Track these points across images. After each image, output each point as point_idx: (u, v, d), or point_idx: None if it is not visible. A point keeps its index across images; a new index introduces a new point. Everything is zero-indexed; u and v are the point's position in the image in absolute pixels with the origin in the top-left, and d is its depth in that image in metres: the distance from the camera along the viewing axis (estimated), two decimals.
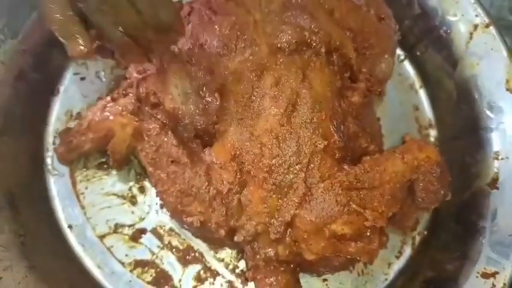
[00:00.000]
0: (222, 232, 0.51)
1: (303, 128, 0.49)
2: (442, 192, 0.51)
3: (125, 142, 0.54)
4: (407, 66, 0.66)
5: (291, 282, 0.51)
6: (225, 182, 0.50)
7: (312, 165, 0.48)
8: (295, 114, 0.49)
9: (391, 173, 0.50)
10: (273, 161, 0.49)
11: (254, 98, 0.50)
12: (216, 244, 0.57)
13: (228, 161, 0.50)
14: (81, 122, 0.57)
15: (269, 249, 0.50)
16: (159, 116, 0.53)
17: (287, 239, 0.49)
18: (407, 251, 0.59)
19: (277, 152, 0.49)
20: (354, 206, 0.48)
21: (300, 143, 0.48)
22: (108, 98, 0.56)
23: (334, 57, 0.52)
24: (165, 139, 0.52)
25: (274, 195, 0.49)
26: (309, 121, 0.49)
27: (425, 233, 0.60)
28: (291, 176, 0.48)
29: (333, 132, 0.49)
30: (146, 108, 0.54)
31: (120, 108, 0.54)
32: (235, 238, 0.51)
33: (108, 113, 0.54)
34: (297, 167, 0.48)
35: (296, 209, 0.48)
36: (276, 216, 0.49)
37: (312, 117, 0.49)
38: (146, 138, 0.53)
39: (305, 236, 0.48)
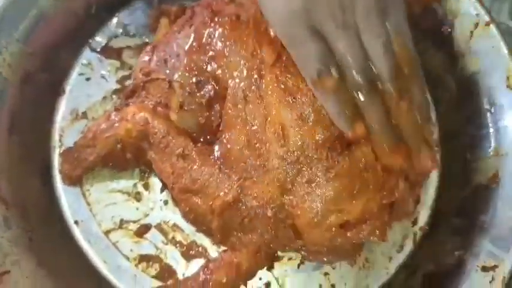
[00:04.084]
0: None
1: (306, 122, 0.49)
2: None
3: (131, 145, 0.56)
4: None
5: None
6: (231, 179, 0.51)
7: (314, 156, 0.48)
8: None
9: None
10: (278, 154, 0.49)
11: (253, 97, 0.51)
12: (210, 235, 0.57)
13: (236, 158, 0.51)
14: (86, 134, 0.58)
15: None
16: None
17: (287, 228, 0.50)
18: (409, 246, 0.59)
19: (282, 146, 0.49)
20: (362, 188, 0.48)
21: (303, 136, 0.49)
22: (112, 109, 0.58)
23: None
24: (172, 139, 0.53)
25: (277, 185, 0.49)
26: (312, 115, 0.49)
27: (427, 227, 0.60)
28: (294, 167, 0.49)
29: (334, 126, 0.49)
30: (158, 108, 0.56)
31: (124, 115, 0.55)
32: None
33: (112, 122, 0.56)
34: (300, 158, 0.49)
35: (302, 198, 0.48)
36: (279, 202, 0.49)
37: (315, 110, 0.49)
38: (152, 141, 0.54)
39: (308, 228, 0.49)
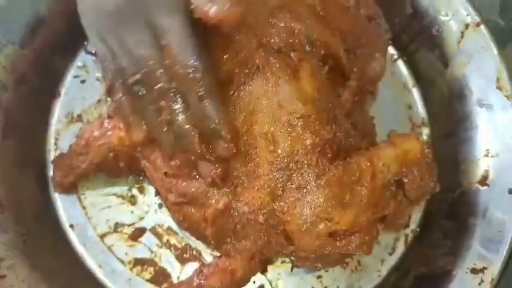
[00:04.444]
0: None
1: (295, 127, 0.49)
2: (431, 183, 0.52)
3: (124, 154, 0.55)
4: (401, 65, 0.67)
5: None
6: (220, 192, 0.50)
7: (304, 162, 0.48)
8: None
9: (381, 165, 0.50)
10: (267, 159, 0.49)
11: (244, 96, 0.50)
12: (204, 242, 0.57)
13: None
14: (78, 142, 0.57)
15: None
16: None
17: (279, 235, 0.50)
18: (400, 248, 0.60)
19: (271, 151, 0.49)
20: (350, 200, 0.48)
21: (292, 142, 0.49)
22: (105, 115, 0.57)
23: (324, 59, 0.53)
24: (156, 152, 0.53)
25: (268, 191, 0.49)
26: (301, 121, 0.49)
27: (418, 230, 0.61)
28: (284, 173, 0.48)
29: (324, 131, 0.49)
30: None
31: (117, 123, 0.54)
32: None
33: (105, 129, 0.55)
34: (290, 164, 0.49)
35: (292, 204, 0.48)
36: (269, 208, 0.49)
37: (303, 116, 0.49)
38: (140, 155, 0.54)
39: (299, 234, 0.49)
